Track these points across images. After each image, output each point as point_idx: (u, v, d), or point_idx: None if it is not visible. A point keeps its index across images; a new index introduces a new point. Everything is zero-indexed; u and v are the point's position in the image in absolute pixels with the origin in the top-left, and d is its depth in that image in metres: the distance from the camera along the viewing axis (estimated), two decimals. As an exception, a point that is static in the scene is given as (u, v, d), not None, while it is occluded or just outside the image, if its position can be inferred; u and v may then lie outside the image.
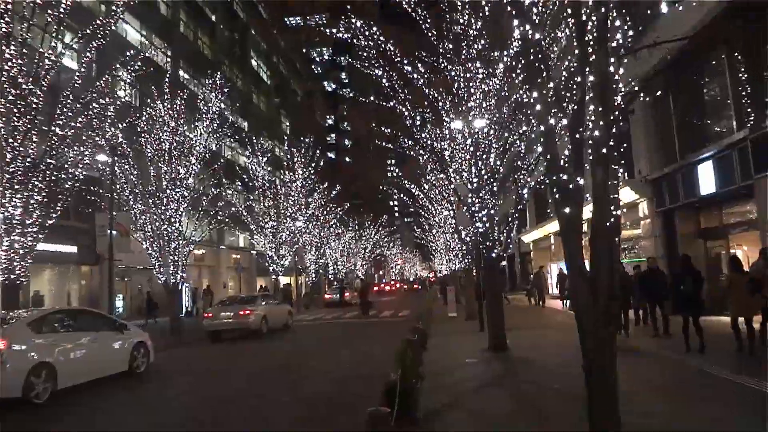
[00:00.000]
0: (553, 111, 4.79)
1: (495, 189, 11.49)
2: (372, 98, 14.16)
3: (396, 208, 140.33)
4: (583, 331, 4.59)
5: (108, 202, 17.94)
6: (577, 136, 4.61)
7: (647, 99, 15.15)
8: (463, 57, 11.47)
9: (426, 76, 12.37)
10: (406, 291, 65.23)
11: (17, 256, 13.26)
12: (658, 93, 16.08)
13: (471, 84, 11.50)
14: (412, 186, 23.95)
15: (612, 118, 4.51)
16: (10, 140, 12.93)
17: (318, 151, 35.88)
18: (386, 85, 12.57)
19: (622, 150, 18.99)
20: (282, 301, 30.50)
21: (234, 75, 44.27)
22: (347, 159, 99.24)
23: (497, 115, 11.40)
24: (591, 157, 4.56)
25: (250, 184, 32.68)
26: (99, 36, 14.21)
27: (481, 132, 11.42)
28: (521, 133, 10.95)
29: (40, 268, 23.55)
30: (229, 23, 44.40)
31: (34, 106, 13.18)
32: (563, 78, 5.94)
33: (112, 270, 17.65)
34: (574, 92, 4.91)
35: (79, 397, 9.32)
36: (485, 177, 11.44)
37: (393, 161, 34.56)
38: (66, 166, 14.27)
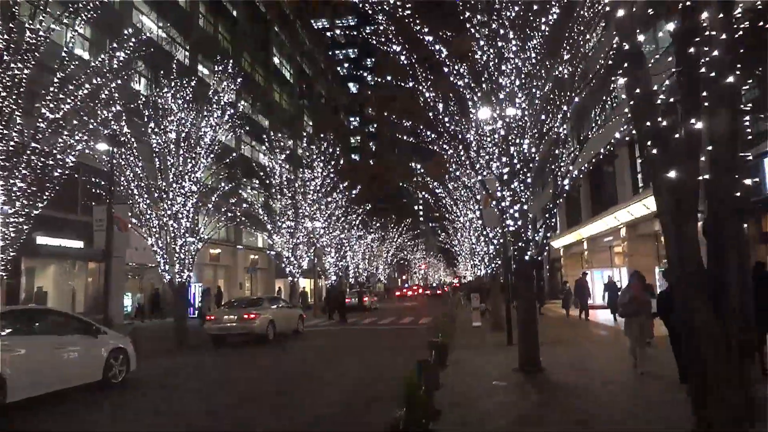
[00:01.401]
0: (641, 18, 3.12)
1: (529, 180, 9.81)
2: (391, 79, 12.49)
3: (420, 212, 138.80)
4: (700, 367, 2.91)
5: (108, 195, 16.66)
6: (691, 50, 2.92)
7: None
8: (493, 25, 9.83)
9: (452, 57, 10.77)
10: (428, 297, 63.25)
11: (-4, 248, 12.03)
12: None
13: (502, 58, 9.84)
14: (436, 184, 22.27)
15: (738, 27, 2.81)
16: (-7, 121, 11.74)
17: (338, 149, 34.37)
18: (406, 64, 11.00)
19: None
20: (299, 304, 29.25)
21: (256, 72, 43.30)
22: (371, 162, 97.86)
23: (533, 94, 9.74)
24: (706, 93, 2.87)
25: (268, 181, 31.40)
26: (90, 10, 12.94)
27: (513, 113, 9.76)
28: (563, 114, 9.27)
29: (45, 263, 22.62)
30: (251, 20, 43.44)
31: (18, 82, 11.97)
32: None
33: (109, 267, 16.43)
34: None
35: (31, 413, 7.95)
36: (518, 166, 9.77)
37: (416, 158, 32.83)
38: (54, 152, 13.02)
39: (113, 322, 23.79)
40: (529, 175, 9.82)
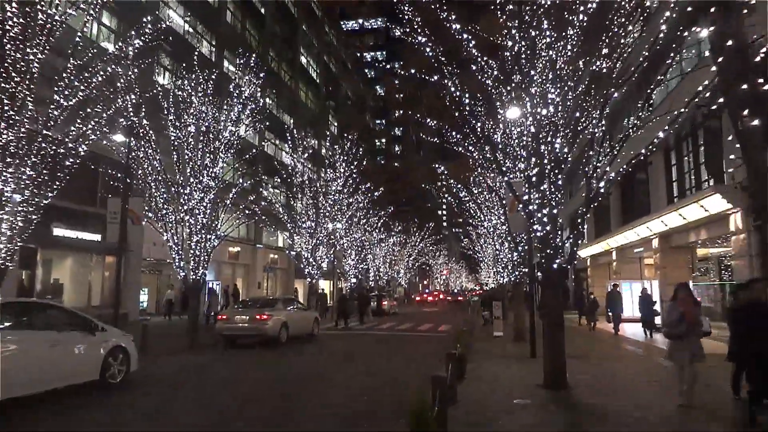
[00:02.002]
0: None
1: (560, 182, 9.05)
2: (416, 73, 11.79)
3: (444, 217, 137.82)
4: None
5: (124, 187, 16.35)
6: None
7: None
8: (526, 15, 9.13)
9: (480, 49, 10.09)
10: (450, 303, 62.04)
11: (3, 237, 11.69)
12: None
13: (535, 49, 9.13)
14: (459, 187, 21.50)
15: None
16: (5, 107, 11.42)
17: (362, 149, 33.79)
18: (432, 56, 10.34)
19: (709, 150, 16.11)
20: (316, 307, 28.70)
21: (282, 70, 43.09)
22: (396, 164, 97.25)
23: (568, 89, 8.99)
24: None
25: (289, 180, 30.97)
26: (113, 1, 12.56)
27: (546, 110, 9.03)
28: (600, 112, 8.51)
29: (62, 256, 22.49)
30: (279, 18, 43.28)
31: (31, 68, 11.65)
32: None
33: (120, 261, 16.09)
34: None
35: (14, 412, 7.49)
36: (548, 167, 9.02)
37: (441, 161, 32.16)
38: (67, 140, 12.67)
39: (128, 317, 23.79)
40: (560, 177, 9.06)
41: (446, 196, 25.62)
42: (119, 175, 16.50)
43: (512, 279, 19.50)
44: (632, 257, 26.38)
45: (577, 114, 9.00)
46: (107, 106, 14.11)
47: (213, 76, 19.17)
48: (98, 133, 13.56)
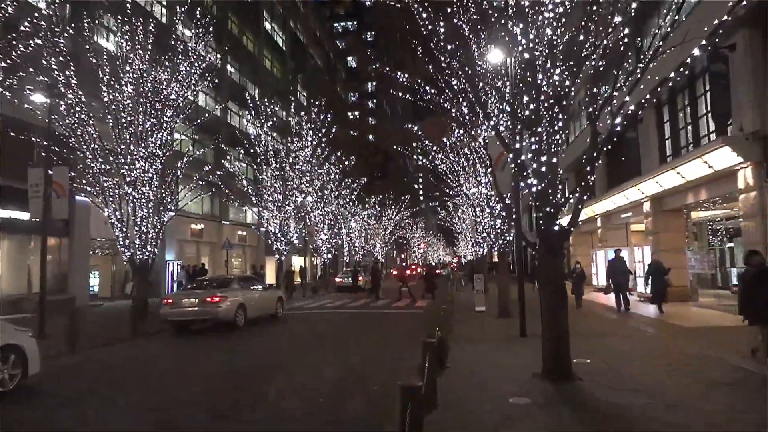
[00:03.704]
0: None
1: (560, 123, 7.20)
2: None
3: (420, 190, 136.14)
4: None
5: (46, 154, 14.08)
6: None
7: None
8: None
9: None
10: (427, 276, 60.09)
11: None
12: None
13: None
14: (435, 149, 19.57)
15: None
16: None
17: (330, 115, 31.55)
18: None
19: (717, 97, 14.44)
20: (284, 284, 26.81)
21: (244, 35, 40.33)
22: (370, 137, 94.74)
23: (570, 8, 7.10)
24: None
25: (252, 151, 28.69)
26: None
27: (542, 31, 7.14)
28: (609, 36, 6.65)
29: (-6, 238, 20.10)
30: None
31: None
32: None
33: (45, 240, 13.84)
34: None
35: None
36: (545, 104, 7.17)
37: (415, 122, 30.46)
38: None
39: (75, 302, 21.59)
40: (560, 115, 7.22)
41: (422, 159, 23.65)
42: (44, 142, 14.16)
43: (495, 249, 17.84)
44: (618, 223, 24.96)
45: (581, 38, 7.11)
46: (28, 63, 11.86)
47: (152, 28, 16.78)
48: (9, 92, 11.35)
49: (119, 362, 10.61)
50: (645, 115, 18.35)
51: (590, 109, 7.48)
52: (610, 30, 6.79)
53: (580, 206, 7.39)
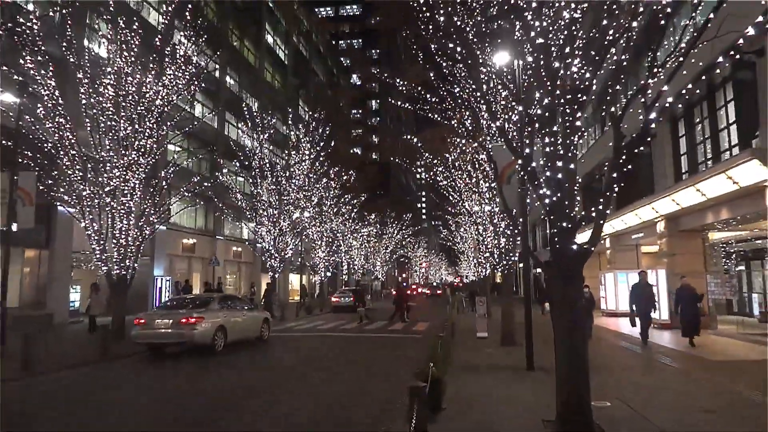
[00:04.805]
0: None
1: (578, 122, 6.05)
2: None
3: (423, 209, 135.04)
4: None
5: (12, 159, 13.01)
6: None
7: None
8: None
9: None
10: (428, 297, 58.43)
11: None
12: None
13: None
14: (437, 162, 18.41)
15: None
16: None
17: (329, 127, 30.57)
18: None
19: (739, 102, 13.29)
20: (263, 304, 25.03)
21: (245, 47, 39.62)
22: (373, 156, 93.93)
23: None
24: None
25: (247, 164, 27.64)
26: None
27: (559, 14, 6.04)
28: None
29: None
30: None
31: None
32: None
33: (8, 252, 12.67)
34: None
35: None
36: (562, 98, 6.03)
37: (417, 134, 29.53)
38: None
39: (53, 319, 20.35)
40: (579, 114, 6.08)
41: (424, 176, 22.50)
42: (9, 144, 13.09)
43: (498, 269, 16.60)
44: (628, 244, 23.72)
45: (605, 22, 5.99)
46: None
47: (135, 27, 15.82)
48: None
49: (64, 392, 9.35)
50: (659, 129, 17.23)
51: (612, 109, 6.35)
52: (640, 10, 5.67)
53: (602, 221, 6.20)
